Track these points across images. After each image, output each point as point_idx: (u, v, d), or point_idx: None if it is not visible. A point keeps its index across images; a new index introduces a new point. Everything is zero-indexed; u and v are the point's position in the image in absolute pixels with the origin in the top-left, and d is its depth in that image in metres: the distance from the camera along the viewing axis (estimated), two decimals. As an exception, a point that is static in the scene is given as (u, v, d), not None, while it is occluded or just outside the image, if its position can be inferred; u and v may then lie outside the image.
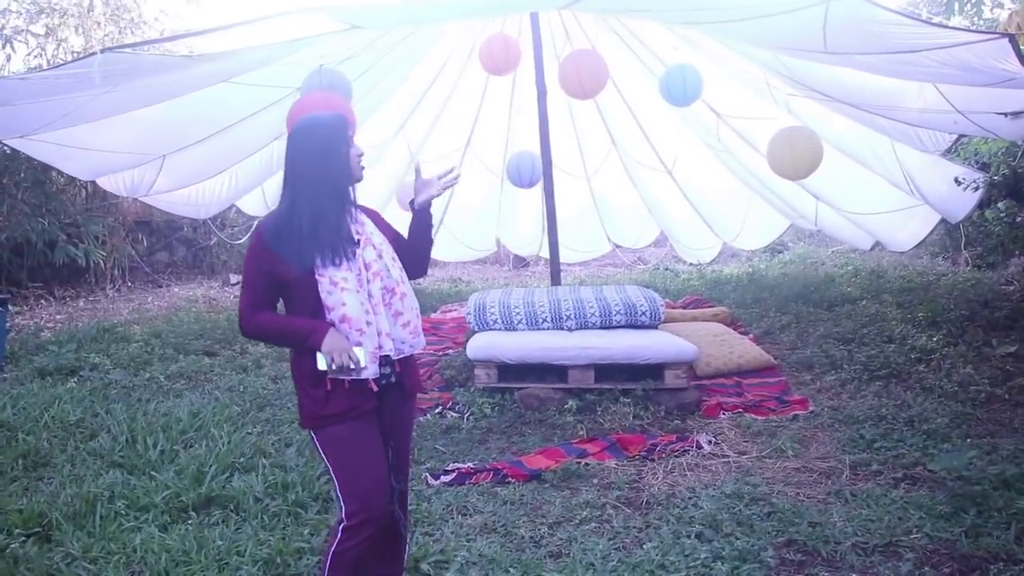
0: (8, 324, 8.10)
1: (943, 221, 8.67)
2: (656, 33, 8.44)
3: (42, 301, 11.30)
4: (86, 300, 11.70)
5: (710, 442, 5.20)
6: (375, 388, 2.86)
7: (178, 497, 4.36)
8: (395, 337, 2.93)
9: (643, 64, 9.15)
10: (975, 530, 3.76)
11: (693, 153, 10.25)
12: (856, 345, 7.19)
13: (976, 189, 7.22)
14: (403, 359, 2.99)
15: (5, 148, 9.71)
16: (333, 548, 2.83)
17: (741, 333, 7.87)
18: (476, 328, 6.77)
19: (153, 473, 4.70)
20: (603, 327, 6.61)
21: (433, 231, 3.30)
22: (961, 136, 7.01)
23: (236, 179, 9.19)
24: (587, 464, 4.88)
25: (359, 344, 2.80)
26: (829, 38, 4.59)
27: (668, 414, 5.79)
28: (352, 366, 2.76)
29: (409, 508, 3.33)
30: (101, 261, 12.00)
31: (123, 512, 4.24)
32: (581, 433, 5.46)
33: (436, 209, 11.23)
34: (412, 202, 3.22)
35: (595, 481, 4.65)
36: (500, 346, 6.21)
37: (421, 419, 5.86)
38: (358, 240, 2.92)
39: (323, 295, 2.79)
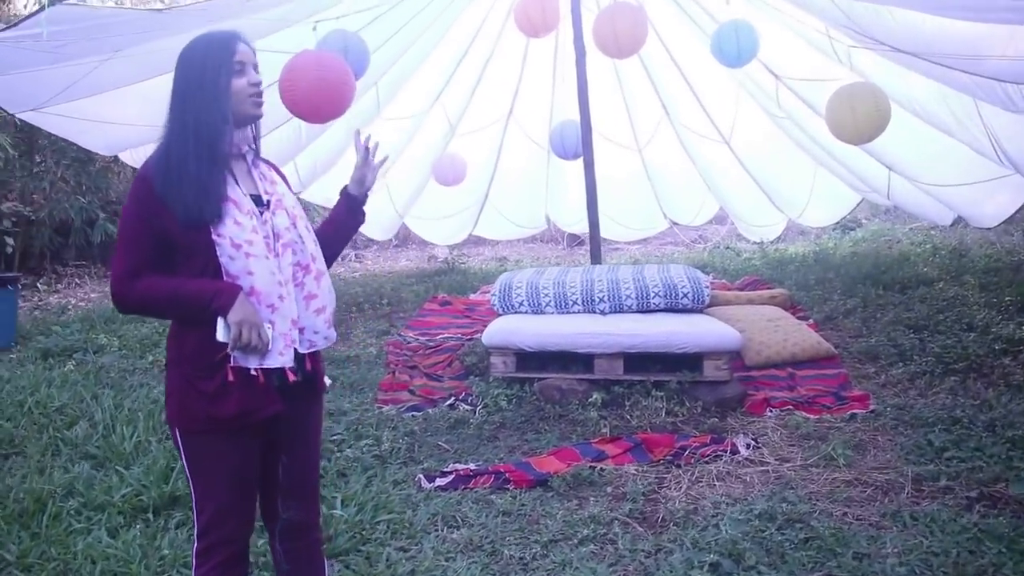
0: (20, 303, 7.84)
1: (1036, 193, 7.71)
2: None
3: (78, 280, 11.09)
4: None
5: (748, 445, 4.50)
6: (292, 378, 2.28)
7: (138, 496, 3.91)
8: (306, 325, 2.33)
9: (695, 23, 8.39)
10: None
11: (751, 120, 9.42)
12: (930, 333, 6.35)
13: (1077, 155, 6.29)
14: (313, 354, 2.39)
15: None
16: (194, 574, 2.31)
17: (800, 318, 7.08)
18: (501, 311, 6.19)
19: (119, 468, 4.24)
20: (639, 311, 5.96)
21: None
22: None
23: (264, 153, 8.73)
24: (602, 469, 4.24)
25: (270, 324, 2.22)
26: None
27: (705, 410, 5.11)
28: (259, 347, 2.17)
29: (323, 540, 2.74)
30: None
31: (76, 511, 3.81)
32: (604, 431, 4.82)
33: (480, 184, 10.94)
34: (345, 188, 2.68)
35: (608, 490, 4.01)
36: (518, 331, 5.60)
37: (430, 411, 5.31)
38: (267, 201, 2.33)
39: (223, 261, 2.18)
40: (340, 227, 2.66)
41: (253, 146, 2.40)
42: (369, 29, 7.20)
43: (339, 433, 4.83)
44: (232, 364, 2.18)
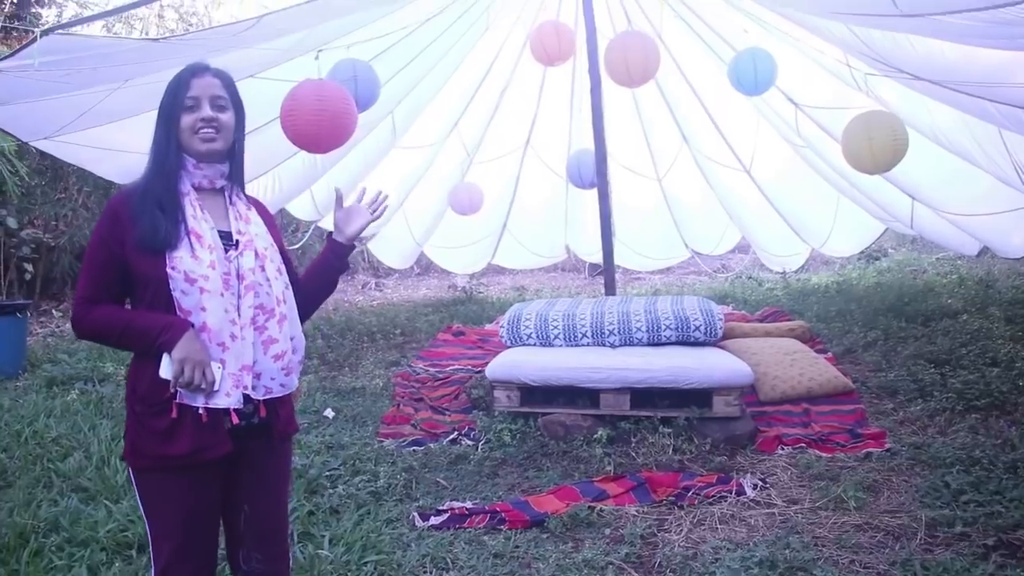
0: (36, 330, 7.84)
1: (1065, 223, 7.49)
2: (724, 14, 7.58)
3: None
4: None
5: (755, 486, 4.33)
6: (235, 420, 2.19)
7: (123, 531, 3.81)
8: (262, 371, 2.24)
9: (712, 51, 8.29)
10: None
11: (772, 149, 9.28)
12: (952, 368, 6.13)
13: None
14: (270, 400, 2.28)
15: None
16: None
17: (819, 351, 6.89)
18: (509, 343, 6.10)
19: (108, 502, 4.15)
20: (650, 344, 5.83)
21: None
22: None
23: (279, 182, 8.73)
24: (601, 510, 4.09)
25: (220, 363, 2.15)
26: (900, -8, 3.70)
27: (714, 448, 4.95)
28: (203, 386, 2.10)
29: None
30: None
31: (58, 547, 3.72)
32: (608, 469, 4.68)
33: (498, 213, 10.88)
34: (331, 235, 2.61)
35: (606, 532, 3.87)
36: (522, 365, 5.47)
37: (432, 445, 5.20)
38: (236, 241, 2.27)
39: (176, 295, 2.13)
40: (322, 274, 2.59)
41: (229, 182, 2.37)
42: (384, 57, 7.19)
43: (336, 468, 4.72)
44: (177, 401, 2.12)
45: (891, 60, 5.72)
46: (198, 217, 2.22)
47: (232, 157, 2.36)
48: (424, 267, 14.00)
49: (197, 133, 2.24)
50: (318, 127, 5.13)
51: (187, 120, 2.24)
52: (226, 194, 2.35)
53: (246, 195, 2.42)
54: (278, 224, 10.91)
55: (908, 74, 5.86)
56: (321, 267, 2.59)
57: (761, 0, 5.89)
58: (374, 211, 2.61)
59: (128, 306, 2.25)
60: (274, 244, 2.39)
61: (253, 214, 2.39)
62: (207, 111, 2.25)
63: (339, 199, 2.67)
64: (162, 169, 2.24)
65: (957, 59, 5.12)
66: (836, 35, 6.01)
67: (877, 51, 5.69)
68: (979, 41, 4.66)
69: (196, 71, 2.28)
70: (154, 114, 2.30)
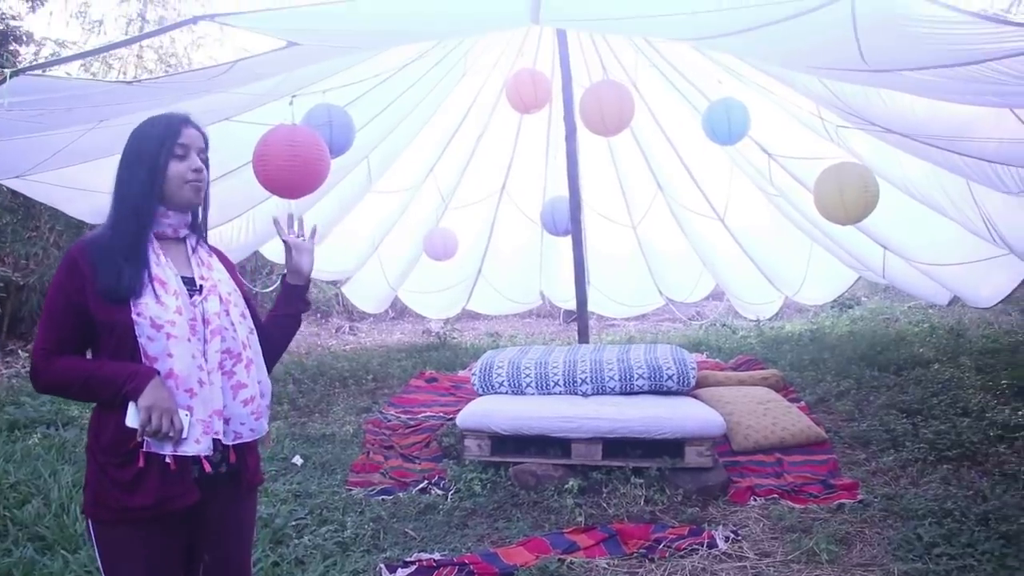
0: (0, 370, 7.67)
1: (1033, 274, 7.57)
2: (698, 65, 7.67)
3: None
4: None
5: (727, 538, 4.28)
6: (208, 469, 2.14)
7: (75, 585, 3.70)
8: (232, 416, 2.21)
9: (687, 100, 8.38)
10: None
11: (745, 197, 9.35)
12: (923, 418, 6.13)
13: (1071, 235, 6.17)
14: (240, 446, 2.25)
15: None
16: None
17: (792, 400, 6.89)
18: (480, 391, 6.04)
19: (66, 552, 4.04)
20: (623, 392, 5.79)
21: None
22: (1049, 173, 5.99)
23: (253, 224, 8.69)
24: (571, 563, 4.02)
25: (188, 409, 2.10)
26: (866, 48, 3.74)
27: (687, 499, 4.90)
28: (171, 434, 2.05)
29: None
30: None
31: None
32: (579, 520, 4.62)
33: (473, 258, 10.88)
34: (285, 278, 2.60)
35: (576, 586, 3.80)
36: (493, 414, 5.42)
37: (401, 495, 5.11)
38: (200, 286, 2.24)
39: (142, 342, 2.08)
40: (281, 318, 2.57)
41: (193, 231, 2.36)
42: (360, 103, 7.21)
43: (302, 517, 4.63)
44: (144, 450, 2.06)
45: (862, 113, 5.80)
46: (161, 264, 2.19)
47: (197, 208, 2.36)
48: (399, 311, 13.93)
49: (188, 183, 2.24)
50: (290, 173, 5.11)
51: (178, 168, 2.23)
52: (188, 242, 2.34)
53: (207, 244, 2.40)
54: (252, 267, 10.84)
55: (879, 127, 5.94)
56: (283, 310, 2.57)
57: (734, 52, 5.95)
58: (301, 234, 2.59)
59: (89, 356, 2.20)
60: (237, 290, 2.37)
61: (215, 260, 2.38)
62: (197, 162, 2.26)
63: (279, 227, 2.63)
64: (138, 215, 2.19)
65: (925, 113, 5.20)
66: (808, 88, 6.09)
67: (848, 104, 5.77)
68: (946, 96, 4.73)
69: (185, 121, 2.27)
70: None
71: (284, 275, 2.60)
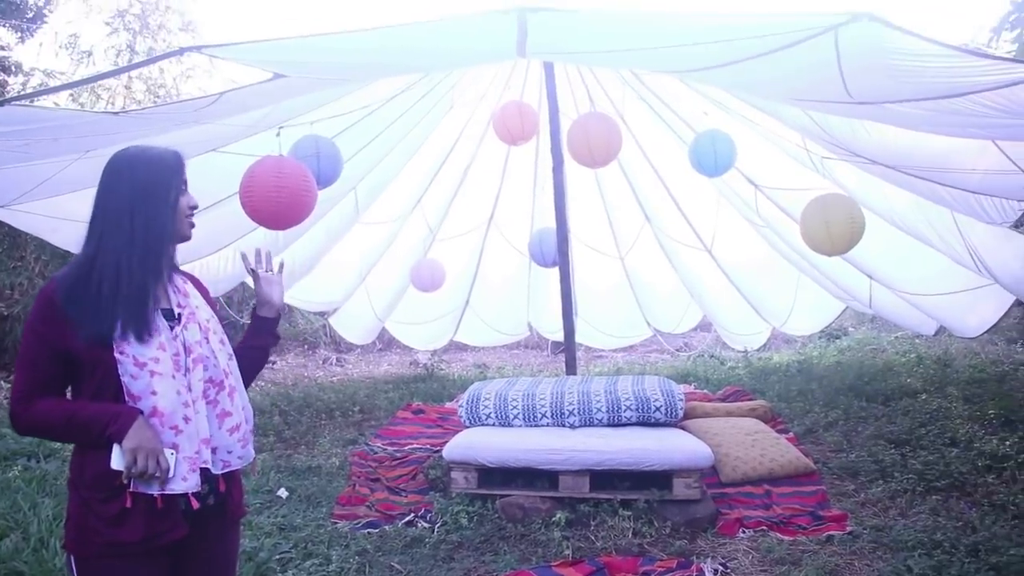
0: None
1: (1019, 303, 7.61)
2: (685, 97, 7.72)
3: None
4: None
5: (716, 571, 4.25)
6: (196, 505, 2.12)
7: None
8: (219, 445, 2.20)
9: (674, 132, 8.43)
10: None
11: (733, 228, 9.38)
12: (912, 448, 6.13)
13: (1055, 265, 6.20)
14: (228, 474, 2.23)
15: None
16: None
17: (780, 431, 6.87)
18: (468, 423, 6.01)
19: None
20: (610, 424, 5.78)
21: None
22: (1032, 204, 6.04)
23: (240, 255, 8.69)
24: (559, 597, 3.98)
25: (173, 447, 2.07)
26: (850, 80, 3.77)
27: (675, 531, 4.86)
28: (158, 474, 2.03)
29: None
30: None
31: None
32: (566, 553, 4.57)
33: (461, 289, 10.86)
34: (255, 311, 2.60)
35: (564, 621, 3.75)
36: (480, 446, 5.39)
37: (387, 528, 5.06)
38: (178, 315, 2.21)
39: (125, 380, 2.06)
40: (249, 349, 2.55)
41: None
42: (348, 134, 7.22)
43: (287, 551, 4.57)
44: (131, 490, 2.04)
45: (847, 145, 5.85)
46: None
47: None
48: (386, 343, 13.87)
49: (188, 217, 2.26)
50: (276, 204, 5.10)
51: (184, 202, 2.25)
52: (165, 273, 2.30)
53: (180, 271, 2.38)
54: (239, 298, 10.78)
55: (864, 158, 5.99)
56: (251, 341, 2.56)
57: (720, 84, 6.00)
58: (268, 269, 2.62)
59: (69, 394, 2.17)
60: (215, 316, 2.35)
61: (190, 287, 2.37)
62: (194, 199, 2.28)
63: (245, 261, 2.65)
64: (159, 255, 2.19)
65: (909, 145, 5.25)
66: (794, 120, 6.14)
67: (833, 135, 5.81)
68: (929, 129, 4.78)
69: (184, 157, 2.29)
70: None
71: (255, 307, 2.59)
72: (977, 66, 3.30)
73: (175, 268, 2.33)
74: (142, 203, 2.16)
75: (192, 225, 2.29)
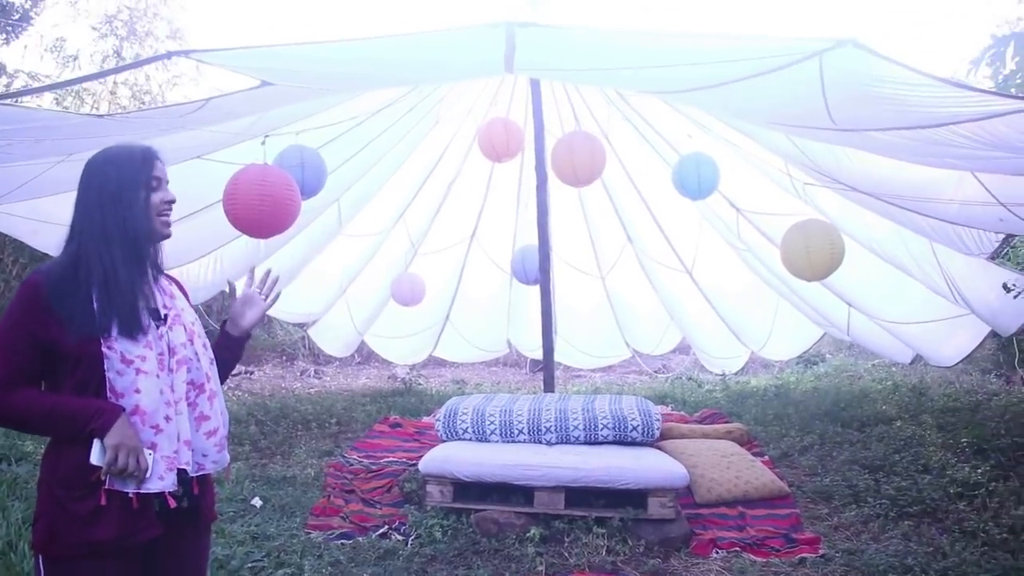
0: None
1: (994, 334, 7.70)
2: (669, 119, 7.79)
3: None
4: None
5: (689, 591, 4.25)
6: (173, 504, 2.11)
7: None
8: (196, 447, 2.19)
9: (658, 154, 8.49)
10: None
11: (713, 251, 9.44)
12: (885, 474, 6.17)
13: (1029, 297, 6.27)
14: (200, 478, 2.22)
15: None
16: None
17: (755, 454, 6.90)
18: (445, 437, 5.98)
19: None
20: (587, 442, 5.78)
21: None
22: (1010, 236, 6.11)
23: (222, 263, 8.63)
24: (531, 613, 3.97)
25: (152, 447, 2.07)
26: (833, 107, 3.83)
27: (648, 550, 4.86)
28: (137, 473, 2.03)
29: None
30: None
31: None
32: (540, 569, 4.57)
33: (442, 305, 10.85)
34: (225, 323, 2.56)
35: (535, 637, 3.74)
36: (456, 460, 5.38)
37: (360, 539, 5.03)
38: (165, 316, 2.22)
39: (110, 376, 2.05)
40: (218, 364, 2.49)
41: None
42: (333, 145, 7.23)
43: (259, 559, 4.54)
44: (107, 487, 2.03)
45: (829, 171, 5.92)
46: None
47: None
48: (365, 356, 13.82)
49: (160, 215, 2.24)
50: (260, 212, 5.10)
51: (156, 199, 2.23)
52: (149, 272, 2.30)
53: (165, 274, 2.38)
54: (219, 307, 10.73)
55: (844, 185, 6.06)
56: (225, 355, 2.52)
57: (705, 106, 6.07)
58: (267, 295, 2.58)
59: (43, 387, 2.15)
60: (199, 321, 2.36)
61: (175, 289, 2.38)
62: (171, 193, 2.26)
63: (233, 290, 2.64)
64: (141, 250, 2.20)
65: (890, 174, 5.32)
66: (777, 145, 6.21)
67: (816, 162, 5.88)
68: (910, 158, 4.85)
69: (156, 154, 2.28)
70: None
71: (224, 323, 2.57)
72: (957, 96, 3.36)
73: (160, 269, 2.33)
74: (113, 203, 2.18)
75: (167, 223, 2.27)
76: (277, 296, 2.61)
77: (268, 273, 2.60)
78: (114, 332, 2.07)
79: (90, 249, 2.14)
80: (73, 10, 14.98)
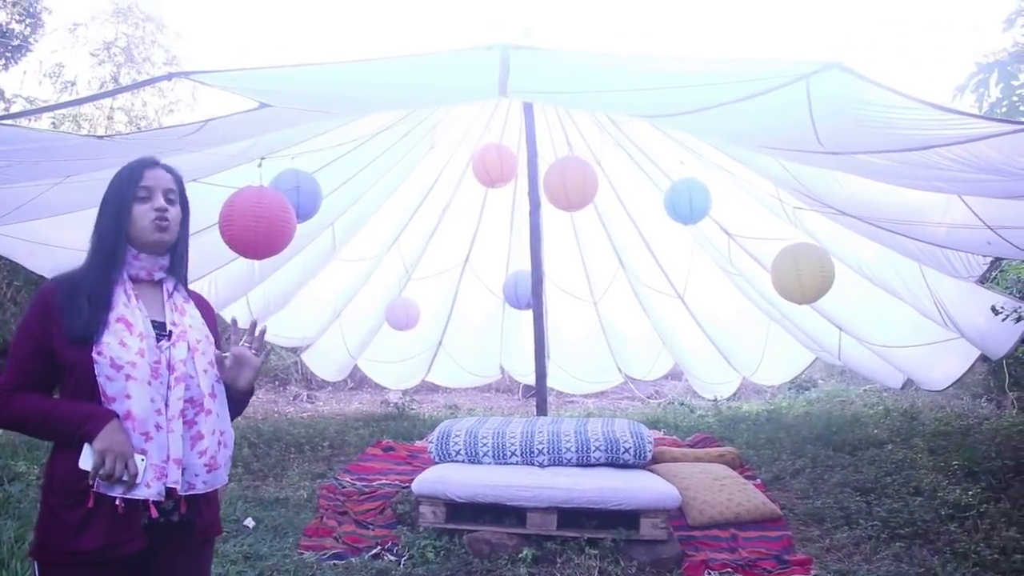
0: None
1: (984, 358, 7.74)
2: (661, 145, 7.88)
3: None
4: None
5: (681, 610, 4.26)
6: (154, 514, 2.11)
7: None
8: (187, 466, 2.20)
9: (650, 180, 8.57)
10: None
11: (705, 277, 9.50)
12: (877, 496, 6.19)
13: (1018, 320, 6.33)
14: (196, 496, 2.23)
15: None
16: None
17: (747, 477, 6.92)
18: (438, 459, 6.00)
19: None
20: (579, 464, 5.80)
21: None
22: (997, 259, 6.18)
23: (216, 287, 8.65)
24: (523, 632, 3.98)
25: (143, 453, 2.10)
26: (821, 130, 3.90)
27: (640, 571, 4.88)
28: (125, 478, 2.05)
29: None
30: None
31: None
32: (532, 590, 4.57)
33: (435, 330, 10.88)
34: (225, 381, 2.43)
35: (527, 655, 3.74)
36: (449, 480, 5.39)
37: (353, 560, 5.02)
38: (169, 332, 2.26)
39: (101, 381, 2.09)
40: None
41: (171, 275, 2.38)
42: (328, 170, 7.28)
43: (251, 581, 4.53)
44: (95, 491, 2.06)
45: (818, 195, 5.99)
46: (131, 305, 2.23)
47: (174, 251, 2.39)
48: (358, 381, 13.82)
49: (151, 223, 2.28)
50: (255, 234, 5.14)
51: (139, 210, 2.28)
52: (164, 287, 2.36)
53: (188, 290, 2.43)
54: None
55: (834, 209, 6.13)
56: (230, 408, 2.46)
57: (693, 130, 6.14)
58: (256, 350, 2.43)
59: (57, 395, 2.21)
60: (209, 338, 2.38)
61: (190, 307, 2.40)
62: (160, 202, 2.29)
63: (220, 360, 2.40)
64: (108, 258, 2.25)
65: (879, 197, 5.39)
66: (767, 169, 6.28)
67: (805, 186, 5.95)
68: (898, 181, 4.91)
69: (148, 164, 2.34)
70: (94, 211, 2.31)
71: (228, 378, 2.42)
72: (942, 119, 3.42)
73: (180, 283, 2.40)
74: (100, 214, 2.29)
75: (161, 228, 2.29)
76: (268, 352, 2.60)
77: (254, 324, 2.49)
78: (103, 338, 2.12)
79: (88, 257, 2.26)
80: (72, 37, 15.12)
